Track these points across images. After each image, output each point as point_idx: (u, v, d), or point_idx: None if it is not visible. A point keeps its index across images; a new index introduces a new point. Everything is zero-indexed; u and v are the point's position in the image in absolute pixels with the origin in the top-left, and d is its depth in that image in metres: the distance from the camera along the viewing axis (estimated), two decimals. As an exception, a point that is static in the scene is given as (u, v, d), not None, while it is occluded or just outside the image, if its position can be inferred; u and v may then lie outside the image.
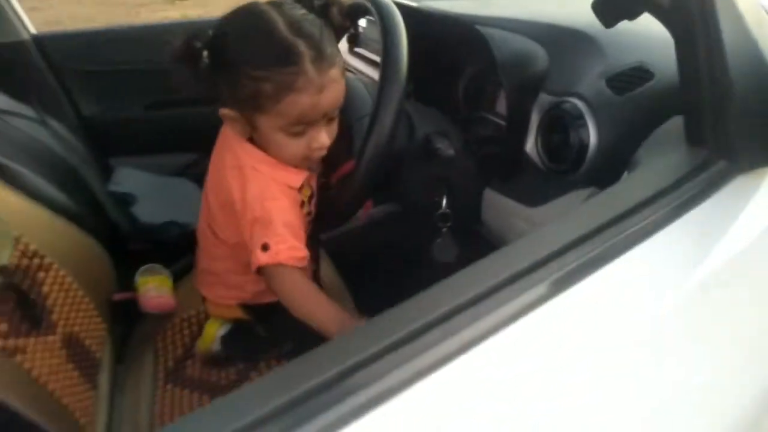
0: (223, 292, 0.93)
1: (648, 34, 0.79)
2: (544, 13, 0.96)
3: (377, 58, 1.23)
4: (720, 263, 0.56)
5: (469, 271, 0.48)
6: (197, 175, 1.60)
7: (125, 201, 1.40)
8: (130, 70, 1.68)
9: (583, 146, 0.76)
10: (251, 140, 0.79)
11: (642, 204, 0.55)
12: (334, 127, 0.78)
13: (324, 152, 0.77)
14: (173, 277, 1.18)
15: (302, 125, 0.73)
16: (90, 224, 1.12)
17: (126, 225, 1.34)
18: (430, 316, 0.44)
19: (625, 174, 0.66)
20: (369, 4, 0.82)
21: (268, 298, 0.87)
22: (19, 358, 0.77)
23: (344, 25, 0.75)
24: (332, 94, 0.72)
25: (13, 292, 0.80)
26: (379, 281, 1.02)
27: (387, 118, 0.75)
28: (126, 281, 1.17)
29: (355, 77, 0.97)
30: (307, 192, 0.84)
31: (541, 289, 0.47)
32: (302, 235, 0.79)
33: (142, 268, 1.15)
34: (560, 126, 0.79)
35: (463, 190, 0.93)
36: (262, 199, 0.76)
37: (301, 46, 0.69)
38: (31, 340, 0.80)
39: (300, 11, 0.72)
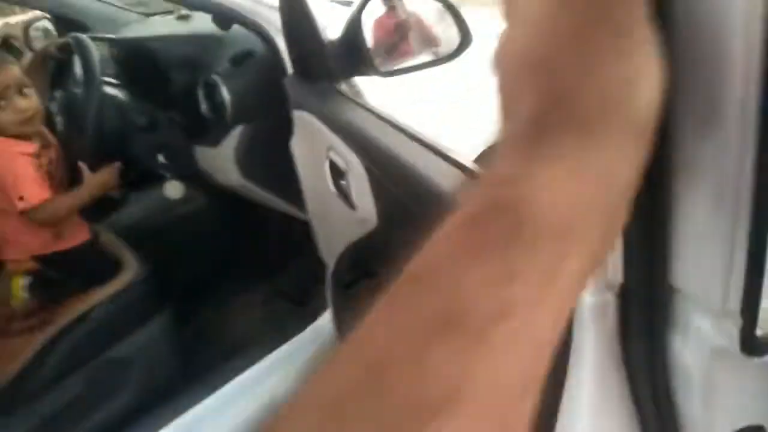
0: (11, 251, 1.33)
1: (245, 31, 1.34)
2: (192, 28, 1.49)
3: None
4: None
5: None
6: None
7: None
8: None
9: (224, 102, 1.27)
10: None
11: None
12: (32, 99, 1.24)
13: (28, 114, 1.23)
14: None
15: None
16: None
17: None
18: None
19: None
20: (71, 41, 1.28)
21: (52, 247, 1.30)
22: None
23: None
24: (3, 74, 1.20)
25: None
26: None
27: (91, 108, 1.22)
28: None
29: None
30: (45, 160, 1.30)
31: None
32: (44, 183, 1.25)
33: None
34: (212, 93, 1.30)
35: (178, 148, 1.42)
36: (8, 168, 1.22)
37: None
38: None
39: None
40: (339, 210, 0.94)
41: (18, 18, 2.25)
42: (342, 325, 1.07)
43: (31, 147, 1.28)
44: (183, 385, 1.47)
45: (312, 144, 1.04)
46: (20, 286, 1.33)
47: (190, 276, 1.67)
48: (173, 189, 1.38)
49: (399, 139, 0.83)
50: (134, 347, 1.33)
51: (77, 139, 1.33)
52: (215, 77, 1.28)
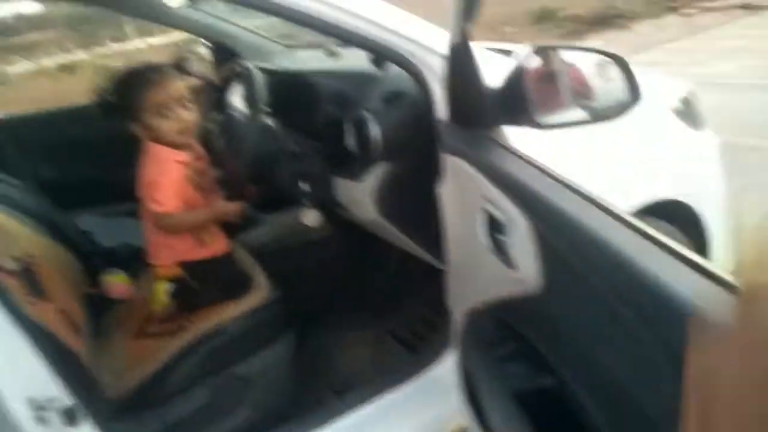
0: (162, 254, 1.43)
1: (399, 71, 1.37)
2: (346, 65, 1.54)
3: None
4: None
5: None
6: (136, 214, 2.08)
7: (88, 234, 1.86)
8: (78, 141, 2.16)
9: (373, 138, 1.30)
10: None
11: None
12: (193, 113, 1.35)
13: (188, 126, 1.35)
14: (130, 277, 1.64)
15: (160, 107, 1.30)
16: (67, 245, 1.58)
17: (88, 248, 1.79)
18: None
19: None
20: (238, 68, 1.37)
21: (194, 254, 1.39)
22: (35, 308, 1.21)
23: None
24: (172, 86, 1.32)
25: (26, 272, 1.25)
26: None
27: (252, 133, 1.29)
28: (93, 282, 1.62)
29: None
30: (194, 168, 1.38)
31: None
32: (186, 193, 1.36)
33: (107, 270, 1.61)
34: (361, 128, 1.33)
35: (318, 177, 1.47)
36: (159, 172, 1.32)
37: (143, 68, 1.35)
38: (39, 301, 1.24)
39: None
40: (490, 265, 0.91)
41: (162, 40, 2.45)
42: (470, 379, 1.02)
43: (184, 156, 1.38)
44: (293, 410, 1.48)
45: (464, 192, 1.02)
46: (164, 291, 1.41)
47: (307, 302, 1.70)
48: (311, 217, 1.43)
49: (570, 198, 0.79)
50: (257, 367, 1.36)
51: (233, 158, 1.41)
52: (365, 113, 1.31)
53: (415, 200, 1.36)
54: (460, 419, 1.39)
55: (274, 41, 2.32)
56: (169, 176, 1.34)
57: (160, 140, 1.35)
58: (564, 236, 0.74)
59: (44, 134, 2.14)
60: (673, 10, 8.75)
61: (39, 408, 0.95)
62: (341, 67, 1.55)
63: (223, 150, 1.45)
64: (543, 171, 0.88)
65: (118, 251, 1.81)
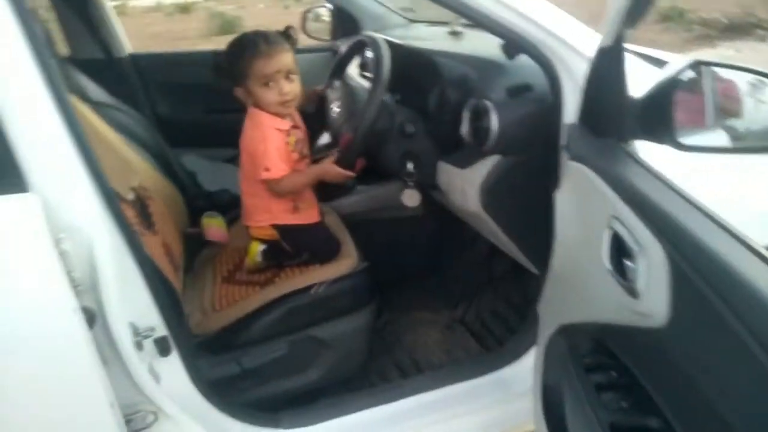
0: (259, 216, 1.46)
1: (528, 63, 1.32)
2: (471, 48, 1.49)
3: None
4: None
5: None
6: (237, 161, 2.14)
7: (192, 175, 1.94)
8: (195, 84, 2.25)
9: (490, 129, 1.26)
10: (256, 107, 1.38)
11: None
12: (295, 84, 1.35)
13: (289, 98, 1.34)
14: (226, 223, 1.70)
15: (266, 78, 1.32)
16: (174, 182, 1.66)
17: (193, 189, 1.87)
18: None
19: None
20: (366, 39, 1.36)
21: (290, 219, 1.42)
22: (145, 239, 1.28)
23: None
24: (279, 59, 1.32)
25: (139, 203, 1.32)
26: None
27: (373, 107, 1.28)
28: (192, 224, 1.69)
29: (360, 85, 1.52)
30: (293, 138, 1.40)
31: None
32: (289, 158, 1.39)
33: (206, 213, 1.67)
34: (479, 117, 1.29)
35: (425, 159, 1.45)
36: (263, 139, 1.34)
37: (257, 37, 1.34)
38: (148, 233, 1.31)
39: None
40: (605, 287, 0.86)
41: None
42: (554, 395, 0.98)
43: (286, 125, 1.40)
44: (358, 381, 1.51)
45: (587, 204, 0.97)
46: (257, 251, 1.46)
47: (389, 278, 1.70)
48: (412, 198, 1.41)
49: (712, 229, 0.73)
50: (336, 332, 1.38)
51: (346, 128, 1.41)
52: (487, 103, 1.27)
53: (523, 200, 1.32)
54: (525, 427, 1.36)
55: (397, 12, 2.29)
56: (272, 143, 1.36)
57: (261, 107, 1.38)
58: (702, 270, 0.68)
59: (165, 73, 2.25)
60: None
61: (138, 334, 1.01)
62: (467, 50, 1.50)
63: (338, 119, 1.46)
64: (684, 197, 0.81)
65: (218, 196, 1.89)
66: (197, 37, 10.00)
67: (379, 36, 1.39)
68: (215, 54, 1.42)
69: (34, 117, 0.85)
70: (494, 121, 1.25)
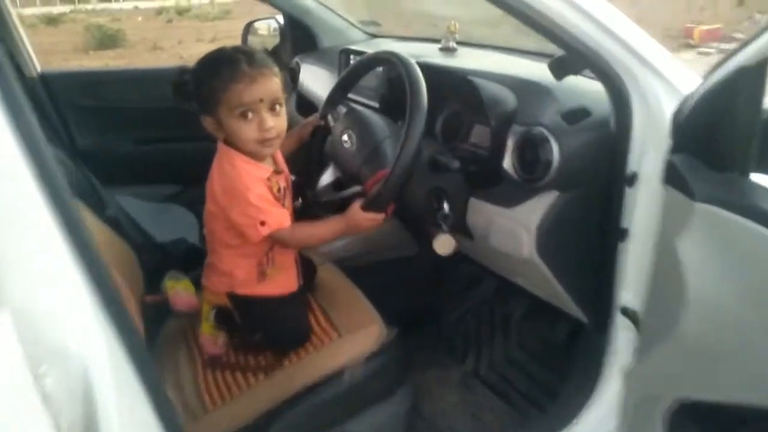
0: (216, 279, 1.16)
1: (583, 85, 1.14)
2: (510, 68, 1.30)
3: (367, 101, 1.52)
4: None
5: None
6: (185, 201, 1.77)
7: (134, 223, 1.54)
8: (121, 108, 1.84)
9: (549, 161, 1.06)
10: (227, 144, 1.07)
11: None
12: (281, 119, 1.05)
13: (272, 135, 1.04)
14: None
15: (244, 108, 1.01)
16: (119, 233, 1.28)
17: (139, 240, 1.48)
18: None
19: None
20: (396, 60, 1.11)
21: (250, 289, 1.14)
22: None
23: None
24: (264, 84, 1.01)
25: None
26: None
27: (414, 139, 1.03)
28: (149, 288, 1.32)
29: (372, 111, 1.25)
30: (274, 187, 1.10)
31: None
32: (279, 204, 1.09)
33: (168, 274, 1.31)
34: (530, 147, 1.09)
35: (457, 198, 1.21)
36: (243, 188, 1.03)
37: (238, 55, 1.02)
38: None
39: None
40: (757, 354, 0.68)
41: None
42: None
43: (265, 170, 1.10)
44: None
45: (746, 260, 0.79)
46: (207, 316, 1.17)
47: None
48: (446, 245, 1.16)
49: None
50: (374, 424, 1.09)
51: (369, 166, 1.14)
52: (544, 131, 1.07)
53: (582, 241, 1.13)
54: None
55: (357, 27, 2.05)
56: (255, 190, 1.05)
57: (235, 145, 1.07)
58: None
59: (85, 95, 1.80)
60: None
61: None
62: (488, 68, 1.30)
63: (355, 154, 1.17)
64: None
65: (174, 248, 1.52)
66: (71, 51, 9.08)
67: (407, 58, 1.14)
68: (181, 70, 1.09)
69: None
70: (555, 152, 1.06)
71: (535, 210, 1.11)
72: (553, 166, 1.06)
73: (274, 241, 1.09)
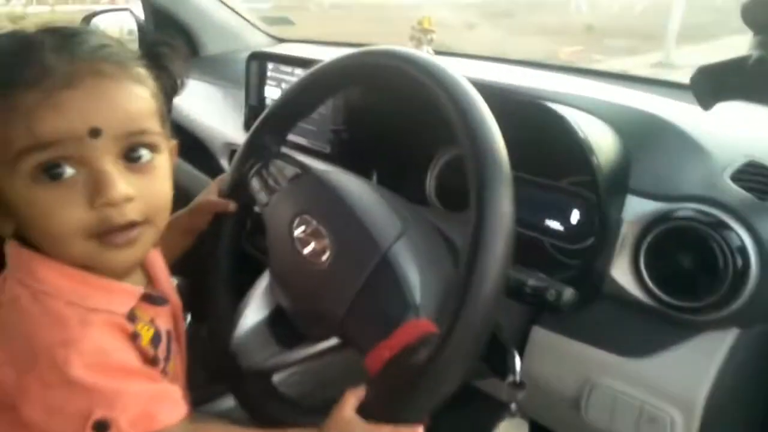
0: None
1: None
2: (612, 92, 0.74)
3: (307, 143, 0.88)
4: None
5: None
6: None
7: None
8: None
9: (738, 272, 0.53)
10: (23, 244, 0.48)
11: None
12: (154, 179, 0.47)
13: (126, 217, 0.46)
14: None
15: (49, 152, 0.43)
16: None
17: None
18: None
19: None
20: (423, 75, 0.49)
21: None
22: None
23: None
24: (102, 100, 0.44)
25: None
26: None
27: (497, 251, 0.43)
28: None
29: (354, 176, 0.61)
30: (145, 332, 0.49)
31: None
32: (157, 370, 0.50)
33: None
34: (683, 243, 0.55)
35: (515, 334, 0.63)
36: (65, 345, 0.43)
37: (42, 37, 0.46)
38: None
39: None
40: None
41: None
42: None
43: (126, 300, 0.51)
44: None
45: None
46: None
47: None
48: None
49: None
50: None
51: (370, 305, 0.50)
52: (714, 210, 0.54)
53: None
54: None
55: (259, 29, 1.41)
56: (84, 353, 0.44)
57: (43, 248, 0.47)
58: None
59: None
60: None
61: None
62: (572, 90, 0.71)
63: (315, 277, 0.51)
64: None
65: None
66: None
67: (453, 74, 0.50)
68: None
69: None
70: (751, 252, 0.53)
71: (695, 367, 0.56)
72: (751, 281, 0.53)
73: None
